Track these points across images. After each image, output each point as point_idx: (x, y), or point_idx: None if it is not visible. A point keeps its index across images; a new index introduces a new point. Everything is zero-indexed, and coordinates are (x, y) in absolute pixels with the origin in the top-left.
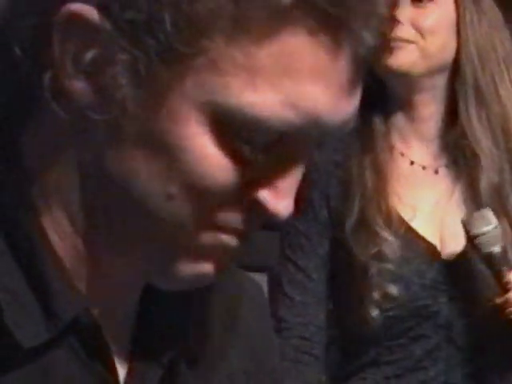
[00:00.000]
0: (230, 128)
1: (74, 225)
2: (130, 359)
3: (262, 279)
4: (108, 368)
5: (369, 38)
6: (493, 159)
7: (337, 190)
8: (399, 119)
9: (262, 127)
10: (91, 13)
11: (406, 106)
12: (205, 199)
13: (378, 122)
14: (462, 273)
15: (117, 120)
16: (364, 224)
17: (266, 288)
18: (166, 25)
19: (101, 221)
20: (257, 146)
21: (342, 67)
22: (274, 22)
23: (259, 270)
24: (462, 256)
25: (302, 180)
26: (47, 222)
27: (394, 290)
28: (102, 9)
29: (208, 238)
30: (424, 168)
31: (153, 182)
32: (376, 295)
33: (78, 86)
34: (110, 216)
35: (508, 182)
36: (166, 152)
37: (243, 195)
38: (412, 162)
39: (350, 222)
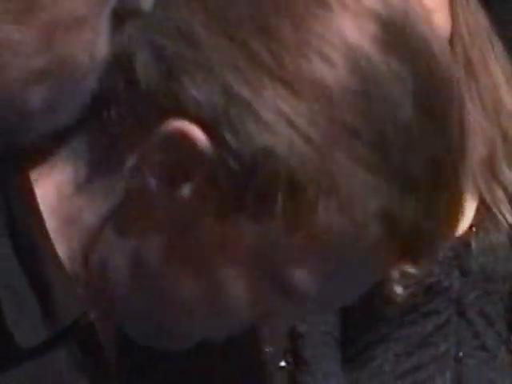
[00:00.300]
0: None
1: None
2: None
3: None
4: (103, 370)
5: None
6: (483, 132)
7: None
8: None
9: None
10: (199, 136)
11: None
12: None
13: None
14: (474, 247)
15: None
16: None
17: None
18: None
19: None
20: None
21: None
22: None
23: None
24: (472, 230)
25: None
26: (51, 227)
27: (411, 267)
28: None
29: None
30: None
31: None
32: (396, 273)
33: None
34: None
35: (500, 153)
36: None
37: None
38: None
39: None
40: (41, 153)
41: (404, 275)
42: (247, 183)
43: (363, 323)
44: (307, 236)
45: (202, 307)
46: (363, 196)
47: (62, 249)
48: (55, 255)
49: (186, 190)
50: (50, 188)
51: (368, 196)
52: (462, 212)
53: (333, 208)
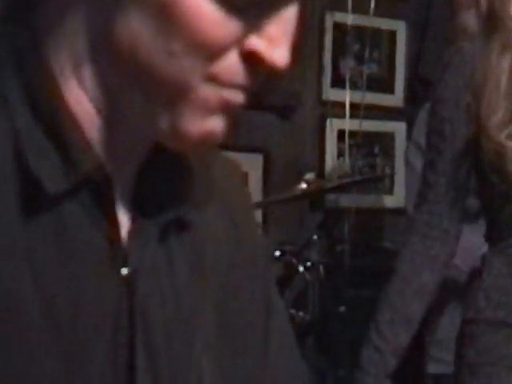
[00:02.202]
0: None
1: (86, 86)
2: (132, 218)
3: (258, 158)
4: (113, 224)
5: None
6: None
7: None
8: None
9: None
10: None
11: None
12: (204, 53)
13: None
14: None
15: None
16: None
17: (261, 168)
18: None
19: (110, 80)
20: None
21: None
22: None
23: (256, 150)
24: None
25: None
26: (61, 83)
27: None
28: None
29: (212, 92)
30: None
31: (155, 41)
32: None
33: None
34: (119, 76)
35: None
36: (165, 11)
37: (240, 47)
38: None
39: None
40: None
41: None
42: None
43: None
44: None
45: None
46: None
47: (73, 105)
48: (67, 108)
49: None
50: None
51: None
52: None
53: None
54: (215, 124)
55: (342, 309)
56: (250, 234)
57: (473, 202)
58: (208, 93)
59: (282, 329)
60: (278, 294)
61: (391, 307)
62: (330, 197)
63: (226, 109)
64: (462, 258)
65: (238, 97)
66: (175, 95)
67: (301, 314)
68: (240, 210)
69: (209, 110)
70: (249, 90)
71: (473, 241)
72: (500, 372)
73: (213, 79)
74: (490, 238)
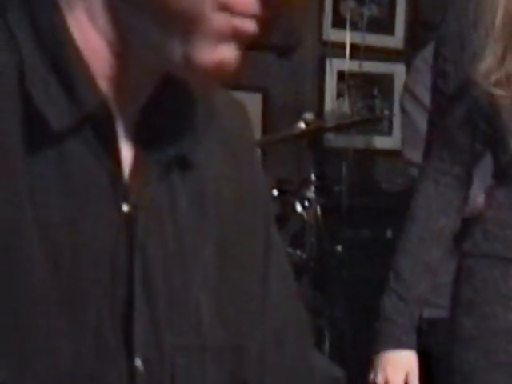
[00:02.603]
0: None
1: (96, 21)
2: (134, 155)
3: (257, 98)
4: (115, 161)
5: None
6: None
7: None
8: None
9: None
10: None
11: None
12: None
13: None
14: None
15: None
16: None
17: (260, 107)
18: None
19: (122, 14)
20: None
21: None
22: None
23: (255, 89)
24: None
25: None
26: (70, 19)
27: None
28: None
29: (224, 21)
30: None
31: None
32: None
33: None
34: (131, 9)
35: None
36: None
37: None
38: None
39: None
40: None
41: None
42: None
43: None
44: None
45: None
46: None
47: (81, 43)
48: (75, 46)
49: None
50: None
51: None
52: None
53: None
54: (227, 53)
55: (339, 248)
56: (252, 171)
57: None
58: (220, 22)
59: (280, 266)
60: (277, 233)
61: (410, 254)
62: (329, 137)
63: (238, 37)
64: None
65: (249, 25)
66: (188, 25)
67: (298, 252)
68: (242, 147)
69: (221, 38)
70: (260, 19)
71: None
72: (496, 311)
73: (225, 8)
74: (494, 174)
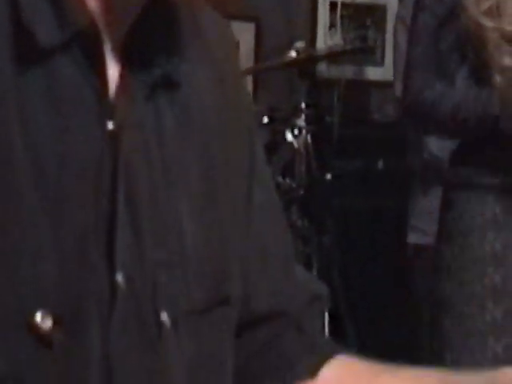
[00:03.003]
0: None
1: None
2: (120, 75)
3: (249, 27)
4: (102, 79)
5: None
6: None
7: None
8: None
9: None
10: None
11: None
12: None
13: None
14: None
15: None
16: None
17: (253, 36)
18: None
19: None
20: None
21: None
22: None
23: (248, 18)
24: None
25: None
26: None
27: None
28: None
29: None
30: None
31: None
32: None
33: None
34: None
35: None
36: None
37: None
38: None
39: None
40: None
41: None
42: None
43: None
44: None
45: None
46: None
47: None
48: None
49: None
50: None
51: None
52: None
53: None
54: None
55: (328, 177)
56: (237, 91)
57: None
58: None
59: (265, 186)
60: (262, 153)
61: None
62: (321, 67)
63: None
64: (440, 144)
65: None
66: None
67: (287, 181)
68: (229, 66)
69: None
70: None
71: None
72: (472, 242)
73: None
74: None
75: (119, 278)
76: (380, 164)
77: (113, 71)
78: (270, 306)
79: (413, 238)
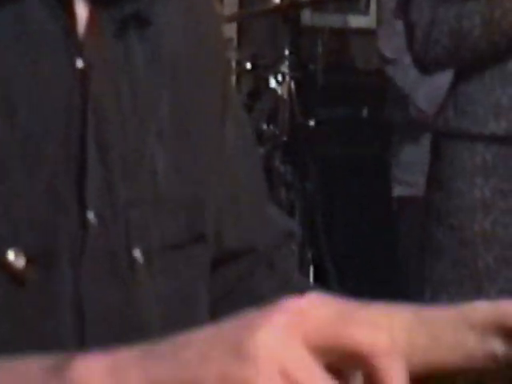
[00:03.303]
0: None
1: None
2: (89, 13)
3: None
4: (70, 16)
5: None
6: None
7: None
8: None
9: None
10: None
11: None
12: None
13: None
14: None
15: None
16: None
17: None
18: None
19: None
20: None
21: None
22: None
23: None
24: None
25: None
26: None
27: None
28: None
29: None
30: None
31: None
32: None
33: None
34: None
35: None
36: None
37: None
38: None
39: None
40: None
41: None
42: None
43: None
44: None
45: None
46: None
47: None
48: None
49: None
50: None
51: None
52: None
53: None
54: None
55: (312, 123)
56: (214, 35)
57: None
58: None
59: (237, 121)
60: (237, 100)
61: None
62: (305, 15)
63: None
64: (427, 99)
65: None
66: None
67: (271, 127)
68: (205, 10)
69: None
70: None
71: (437, 82)
72: (462, 187)
73: None
74: None
75: (90, 216)
76: (364, 112)
77: (82, 9)
78: (241, 242)
79: (397, 191)
